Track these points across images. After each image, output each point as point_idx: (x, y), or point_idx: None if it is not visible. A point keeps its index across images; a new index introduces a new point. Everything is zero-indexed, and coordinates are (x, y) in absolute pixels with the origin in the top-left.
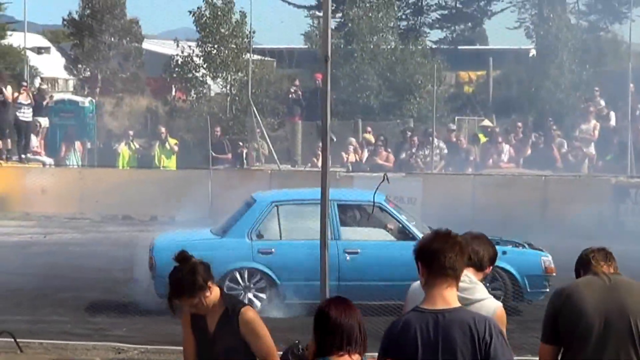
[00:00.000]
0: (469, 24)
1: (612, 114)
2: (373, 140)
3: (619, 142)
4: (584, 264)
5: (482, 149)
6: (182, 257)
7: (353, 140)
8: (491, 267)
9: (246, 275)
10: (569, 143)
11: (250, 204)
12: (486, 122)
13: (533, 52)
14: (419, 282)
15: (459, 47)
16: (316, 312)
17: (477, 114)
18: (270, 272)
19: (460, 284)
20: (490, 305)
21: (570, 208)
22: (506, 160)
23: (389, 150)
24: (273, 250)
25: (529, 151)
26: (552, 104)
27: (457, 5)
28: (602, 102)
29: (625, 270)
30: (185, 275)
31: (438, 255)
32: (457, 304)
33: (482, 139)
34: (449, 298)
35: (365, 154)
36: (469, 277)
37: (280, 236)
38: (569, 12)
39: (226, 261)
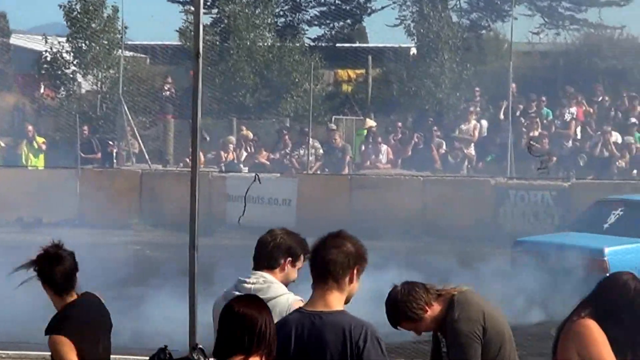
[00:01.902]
0: (348, 21)
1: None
2: (253, 138)
3: (500, 143)
4: None
5: (360, 149)
6: None
7: (233, 139)
8: (287, 264)
9: None
10: (449, 143)
11: None
12: (369, 122)
13: (414, 50)
14: (223, 295)
15: (338, 45)
16: (223, 309)
17: (356, 113)
18: None
19: (255, 286)
20: (284, 302)
21: (448, 209)
22: (385, 160)
23: (264, 149)
24: None
25: (409, 151)
26: (432, 103)
27: (336, 2)
28: (483, 102)
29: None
30: None
31: (317, 257)
32: (339, 307)
33: (361, 139)
34: (329, 301)
35: (244, 154)
36: (264, 277)
37: None
38: (450, 10)
39: None
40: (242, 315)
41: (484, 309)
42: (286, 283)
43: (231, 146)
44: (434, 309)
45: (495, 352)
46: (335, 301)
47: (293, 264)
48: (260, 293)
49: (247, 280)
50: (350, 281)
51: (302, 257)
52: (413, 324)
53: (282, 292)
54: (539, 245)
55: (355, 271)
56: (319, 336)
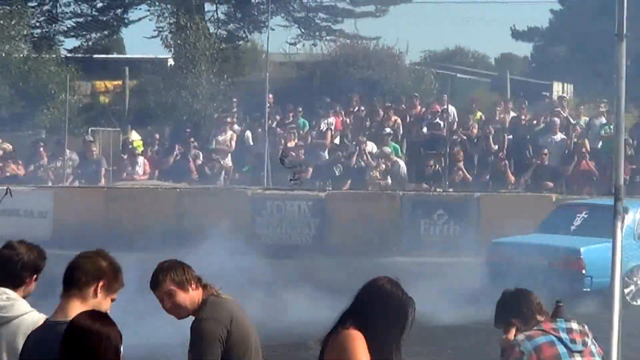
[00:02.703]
0: (105, 32)
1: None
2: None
3: (257, 153)
4: None
5: (117, 161)
6: None
7: None
8: (33, 281)
9: None
10: (206, 155)
11: None
12: (134, 135)
13: (171, 61)
14: None
15: (95, 56)
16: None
17: (112, 124)
18: None
19: None
20: (30, 320)
21: (206, 220)
22: (142, 172)
23: (20, 162)
24: None
25: (166, 163)
26: (189, 114)
27: (93, 12)
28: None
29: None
30: None
31: (67, 267)
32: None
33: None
34: (69, 310)
35: None
36: (7, 294)
37: None
38: (207, 21)
39: None
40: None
41: (234, 314)
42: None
43: None
44: (197, 293)
45: (238, 358)
46: (75, 311)
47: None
48: (4, 311)
49: None
50: (95, 294)
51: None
52: (175, 289)
53: (28, 310)
54: (517, 245)
55: (100, 285)
56: (52, 347)
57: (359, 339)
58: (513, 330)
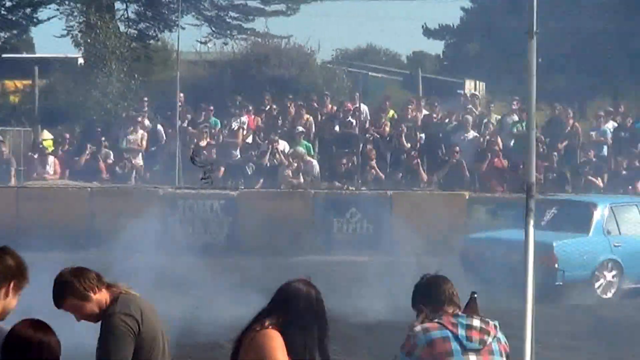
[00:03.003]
0: (14, 31)
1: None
2: None
3: (168, 153)
4: None
5: (27, 161)
6: None
7: None
8: None
9: None
10: (116, 154)
11: None
12: (46, 134)
13: (81, 60)
14: None
15: (4, 55)
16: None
17: (23, 124)
18: None
19: None
20: None
21: (117, 220)
22: (52, 172)
23: None
24: None
25: (77, 162)
26: (100, 113)
27: (2, 12)
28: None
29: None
30: None
31: None
32: None
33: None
34: None
35: None
36: None
37: None
38: (117, 20)
39: None
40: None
41: (144, 312)
42: None
43: None
44: (102, 295)
45: (147, 356)
46: None
47: None
48: None
49: None
50: (6, 295)
51: None
52: (79, 303)
53: None
54: (489, 241)
55: (11, 285)
56: None
57: (277, 338)
58: (422, 317)
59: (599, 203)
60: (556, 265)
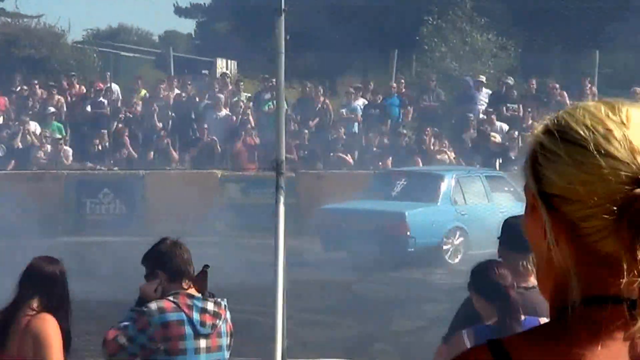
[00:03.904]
0: None
1: None
2: None
3: None
4: None
5: None
6: None
7: None
8: None
9: None
10: None
11: None
12: None
13: None
14: None
15: None
16: None
17: None
18: None
19: None
20: None
21: None
22: None
23: None
24: None
25: None
26: None
27: None
28: None
29: None
30: None
31: None
32: None
33: None
34: None
35: None
36: None
37: None
38: None
39: None
40: None
41: None
42: None
43: None
44: None
45: None
46: None
47: None
48: None
49: None
50: None
51: None
52: None
53: None
54: (344, 211)
55: None
56: None
57: (52, 321)
58: (155, 283)
59: (446, 174)
60: (408, 233)
